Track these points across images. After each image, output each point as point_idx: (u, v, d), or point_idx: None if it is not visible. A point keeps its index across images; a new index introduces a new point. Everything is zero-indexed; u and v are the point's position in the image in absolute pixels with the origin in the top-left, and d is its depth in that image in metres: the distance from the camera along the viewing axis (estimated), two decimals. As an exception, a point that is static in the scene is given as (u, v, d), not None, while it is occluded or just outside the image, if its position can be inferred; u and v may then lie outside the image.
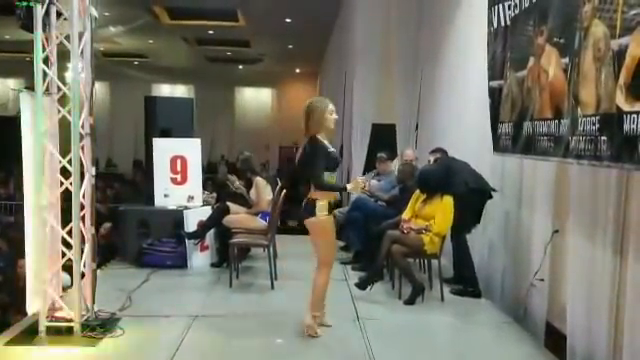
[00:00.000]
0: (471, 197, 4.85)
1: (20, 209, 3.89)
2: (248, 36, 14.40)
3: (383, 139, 8.16)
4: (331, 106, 3.82)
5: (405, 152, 6.59)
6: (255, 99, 22.48)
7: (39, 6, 3.59)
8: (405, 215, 5.08)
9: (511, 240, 4.78)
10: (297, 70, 20.79)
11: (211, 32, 14.23)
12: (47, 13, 3.71)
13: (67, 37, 3.76)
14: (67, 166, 3.81)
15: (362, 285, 4.80)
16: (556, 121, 3.18)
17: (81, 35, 3.80)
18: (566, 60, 3.05)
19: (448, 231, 4.89)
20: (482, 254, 5.26)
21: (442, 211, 4.81)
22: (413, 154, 6.50)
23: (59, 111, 3.84)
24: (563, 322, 3.65)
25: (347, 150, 9.68)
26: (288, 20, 12.48)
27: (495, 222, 5.08)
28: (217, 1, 11.29)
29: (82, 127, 3.83)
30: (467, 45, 5.51)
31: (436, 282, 4.99)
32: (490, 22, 4.31)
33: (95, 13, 3.95)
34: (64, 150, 3.87)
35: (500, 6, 4.08)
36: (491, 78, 4.36)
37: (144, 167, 8.64)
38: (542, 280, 4.07)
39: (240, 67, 19.91)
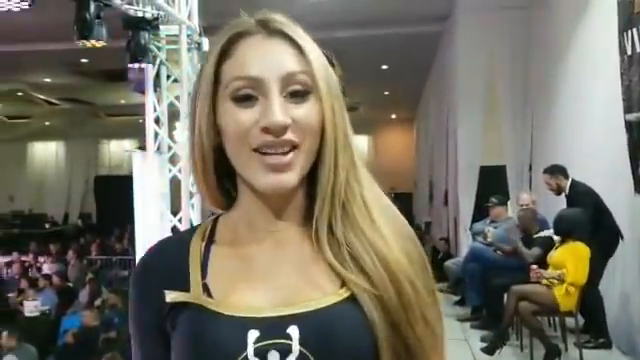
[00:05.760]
0: (611, 244, 4.34)
1: (134, 265, 3.91)
2: (344, 85, 14.53)
3: (493, 182, 7.64)
4: None
5: (521, 196, 6.04)
6: (352, 146, 22.62)
7: (150, 67, 3.67)
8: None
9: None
10: (393, 116, 20.63)
11: (309, 83, 14.55)
12: (157, 75, 3.79)
13: (177, 97, 3.81)
14: (177, 225, 3.79)
15: (490, 350, 4.32)
16: None
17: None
18: None
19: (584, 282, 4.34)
20: (619, 307, 4.62)
21: (573, 258, 4.27)
22: (530, 197, 5.95)
23: (170, 170, 3.86)
24: None
25: (453, 196, 9.19)
26: (384, 67, 12.41)
27: (636, 272, 4.44)
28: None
29: (192, 185, 3.81)
30: (588, 75, 5.03)
31: (571, 340, 4.41)
32: (623, 49, 3.86)
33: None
34: (175, 208, 3.87)
35: (634, 30, 3.64)
36: (627, 110, 3.88)
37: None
38: None
39: (336, 116, 20.15)
